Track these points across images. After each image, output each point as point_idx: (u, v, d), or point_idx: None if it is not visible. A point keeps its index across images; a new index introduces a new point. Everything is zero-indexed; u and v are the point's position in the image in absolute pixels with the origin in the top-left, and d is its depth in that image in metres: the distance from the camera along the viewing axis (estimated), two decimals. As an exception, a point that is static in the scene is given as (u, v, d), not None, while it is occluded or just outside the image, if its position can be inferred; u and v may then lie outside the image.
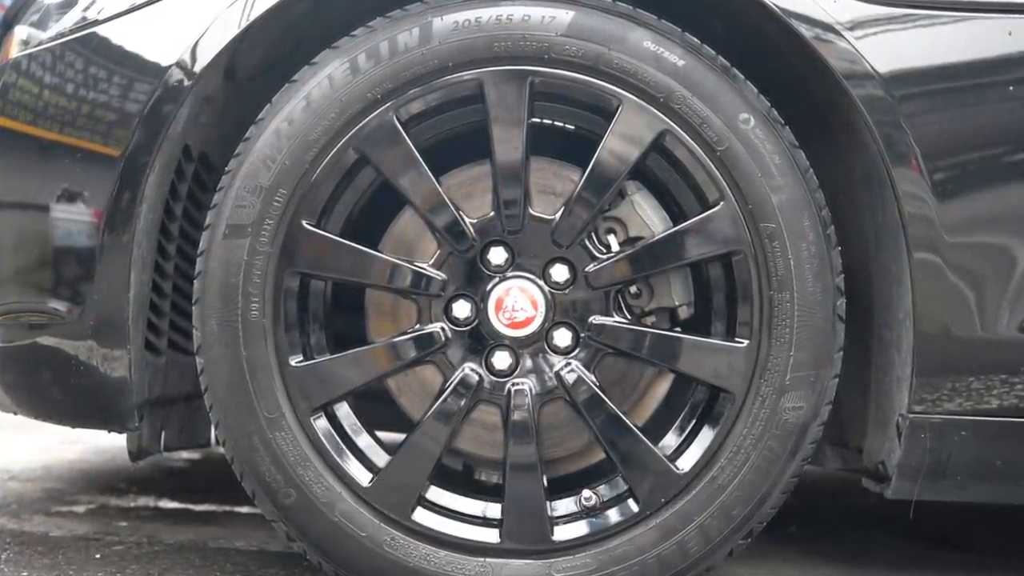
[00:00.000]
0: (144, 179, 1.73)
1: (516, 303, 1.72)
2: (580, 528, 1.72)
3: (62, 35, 1.84)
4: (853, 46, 1.67)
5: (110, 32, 1.80)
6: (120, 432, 1.85)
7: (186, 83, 1.73)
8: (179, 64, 1.73)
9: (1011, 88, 1.69)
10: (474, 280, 1.73)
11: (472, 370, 1.73)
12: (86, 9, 1.85)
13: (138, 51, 1.78)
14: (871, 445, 1.82)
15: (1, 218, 1.89)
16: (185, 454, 3.27)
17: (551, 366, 1.74)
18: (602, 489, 1.75)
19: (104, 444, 3.34)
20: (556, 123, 1.82)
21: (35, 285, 1.84)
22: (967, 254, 1.68)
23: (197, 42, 1.73)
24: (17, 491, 2.64)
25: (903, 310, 1.70)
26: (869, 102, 1.66)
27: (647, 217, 1.76)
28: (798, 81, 1.78)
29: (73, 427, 1.92)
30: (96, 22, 1.82)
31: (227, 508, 2.53)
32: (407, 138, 1.68)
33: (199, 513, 2.49)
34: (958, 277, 1.67)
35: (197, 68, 1.73)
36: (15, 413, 2.00)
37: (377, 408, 1.92)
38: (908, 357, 1.69)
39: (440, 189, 1.69)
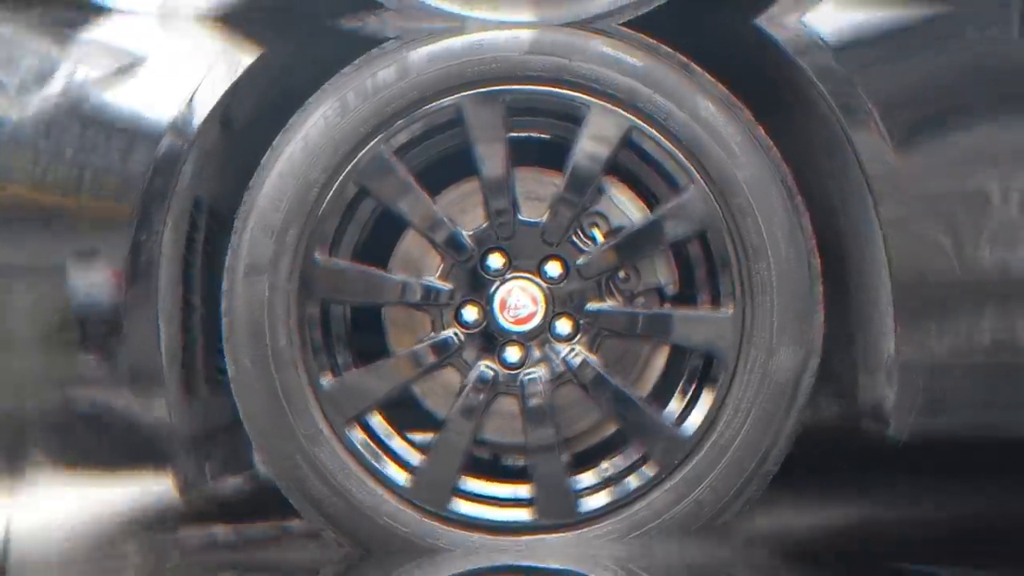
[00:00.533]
0: (159, 236, 1.77)
1: (518, 301, 1.83)
2: (603, 498, 1.83)
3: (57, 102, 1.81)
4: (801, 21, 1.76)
5: (100, 97, 1.79)
6: (165, 473, 1.88)
7: (185, 142, 1.77)
8: (176, 121, 1.77)
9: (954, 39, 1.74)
10: (478, 286, 1.83)
11: (487, 367, 1.83)
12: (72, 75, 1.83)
13: (133, 113, 1.79)
14: (865, 392, 1.91)
15: (25, 283, 1.88)
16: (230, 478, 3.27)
17: (557, 353, 1.83)
18: (618, 460, 1.85)
19: (150, 483, 3.33)
20: (533, 135, 1.91)
21: (65, 343, 1.84)
22: (932, 203, 1.74)
23: (192, 98, 1.78)
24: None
25: (878, 263, 1.77)
26: (819, 71, 1.74)
27: (625, 208, 1.86)
28: (752, 58, 1.87)
29: (116, 475, 1.94)
30: (85, 84, 1.81)
31: (274, 523, 2.58)
32: (401, 167, 1.79)
33: (247, 533, 2.54)
34: (927, 227, 1.74)
35: (195, 123, 1.77)
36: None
37: (405, 412, 2.00)
38: (888, 308, 1.76)
39: (436, 209, 1.81)
